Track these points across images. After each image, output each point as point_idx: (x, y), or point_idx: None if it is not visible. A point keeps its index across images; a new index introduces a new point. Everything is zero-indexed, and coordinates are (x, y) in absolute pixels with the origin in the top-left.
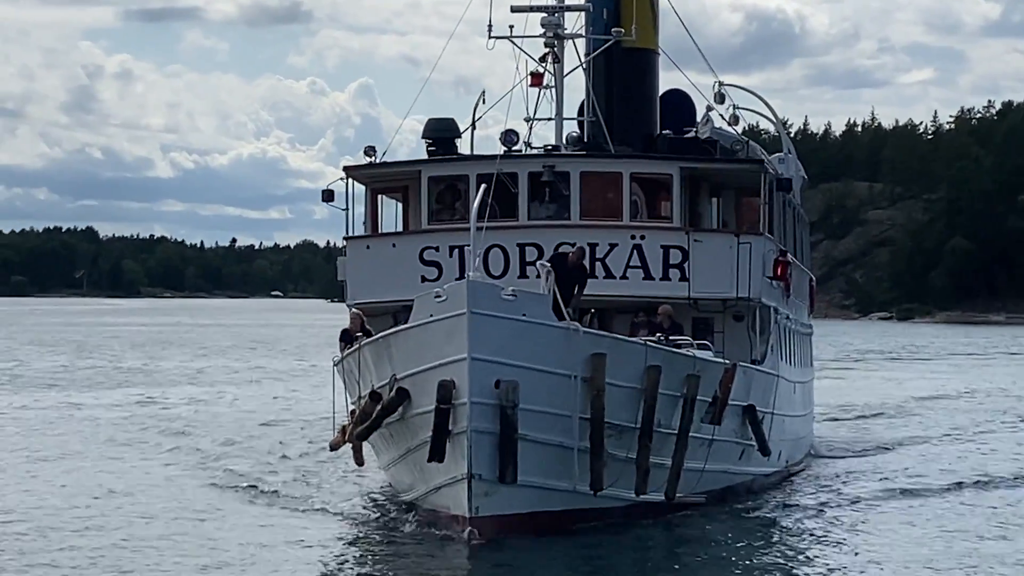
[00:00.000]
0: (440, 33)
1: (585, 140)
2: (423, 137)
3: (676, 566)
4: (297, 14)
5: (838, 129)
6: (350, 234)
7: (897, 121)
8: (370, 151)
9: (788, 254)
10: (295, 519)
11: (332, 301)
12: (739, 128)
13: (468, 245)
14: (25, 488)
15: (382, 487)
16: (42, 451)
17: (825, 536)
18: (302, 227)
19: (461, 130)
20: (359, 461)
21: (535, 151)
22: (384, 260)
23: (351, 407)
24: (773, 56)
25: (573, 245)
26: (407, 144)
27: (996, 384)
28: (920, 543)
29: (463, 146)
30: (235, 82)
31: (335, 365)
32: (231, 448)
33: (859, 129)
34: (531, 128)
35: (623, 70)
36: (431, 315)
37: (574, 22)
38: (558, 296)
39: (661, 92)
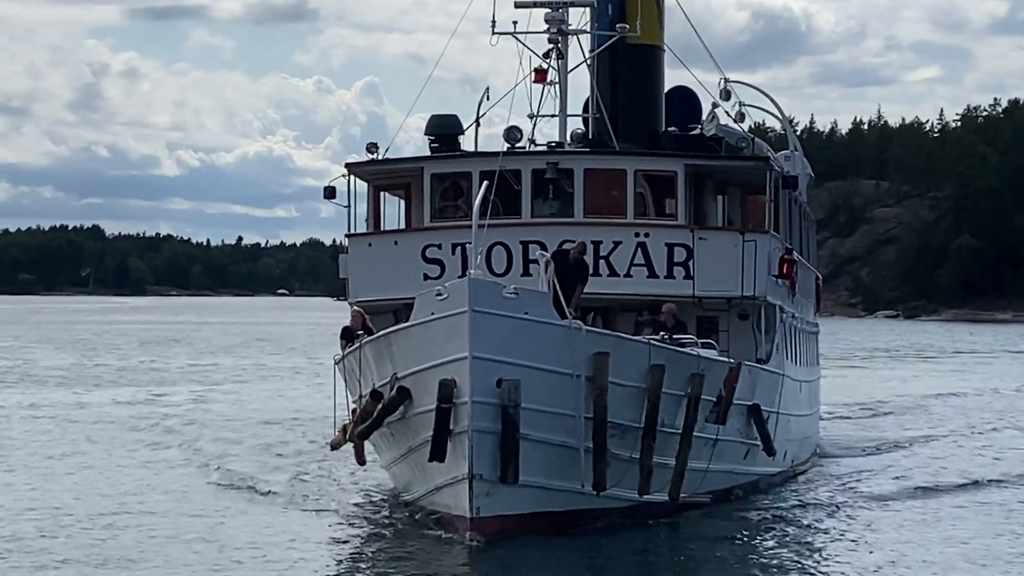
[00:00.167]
0: (446, 31)
1: (589, 137)
2: (426, 133)
3: (680, 567)
4: (303, 12)
5: (844, 127)
6: (352, 231)
7: (903, 119)
8: (372, 148)
9: (794, 252)
10: (295, 518)
11: (337, 299)
12: (745, 125)
13: (470, 243)
14: (32, 486)
15: (384, 486)
16: (48, 449)
17: (831, 536)
18: (308, 225)
19: (464, 127)
20: (361, 460)
21: (539, 148)
22: (386, 258)
23: (352, 406)
24: (779, 54)
25: (575, 243)
26: (412, 142)
27: (1002, 382)
28: (927, 543)
29: (468, 143)
30: (241, 80)
31: (336, 363)
32: (232, 447)
33: (865, 127)
34: (535, 125)
35: (628, 66)
36: (432, 313)
37: (579, 18)
38: (558, 291)
39: (667, 89)
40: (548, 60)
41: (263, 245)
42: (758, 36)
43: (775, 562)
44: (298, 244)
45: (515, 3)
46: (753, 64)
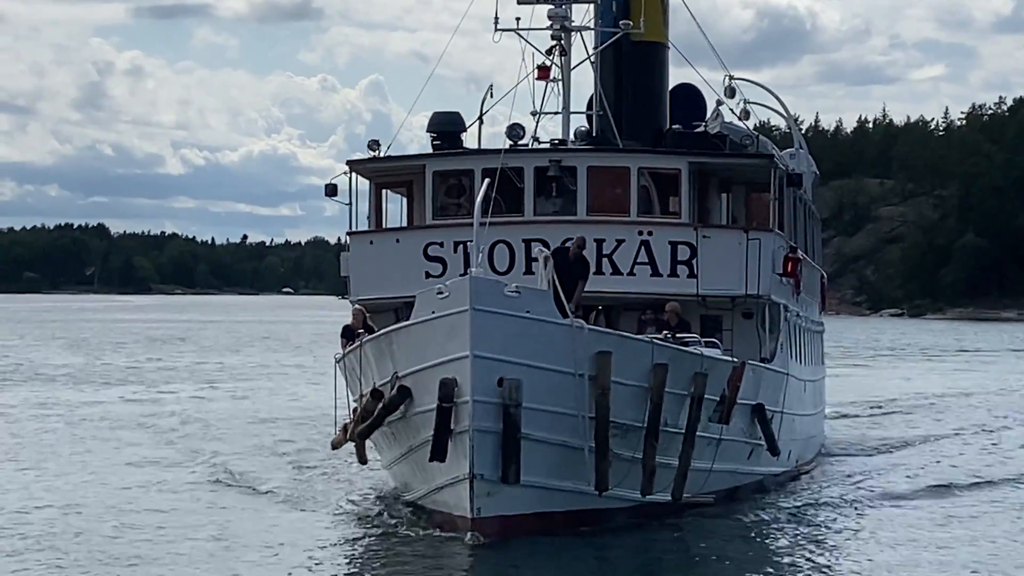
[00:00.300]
0: (451, 30)
1: (593, 135)
2: (428, 131)
3: (682, 567)
4: (308, 11)
5: (849, 126)
6: (354, 229)
7: (908, 117)
8: (374, 145)
9: (798, 250)
10: (296, 518)
11: (342, 298)
12: (750, 123)
13: (472, 241)
14: (37, 485)
15: (385, 486)
16: (52, 448)
17: (835, 537)
18: (313, 224)
19: (467, 124)
20: (362, 460)
21: (542, 145)
22: (388, 255)
23: (353, 405)
24: (784, 53)
25: (582, 244)
26: (417, 140)
27: (1008, 381)
28: (933, 543)
29: (472, 141)
30: (246, 79)
31: (337, 362)
32: (234, 445)
33: (870, 126)
34: (538, 122)
35: (632, 64)
36: (433, 312)
37: (582, 16)
38: (558, 288)
39: (671, 87)
40: (551, 57)
41: (268, 244)
42: (763, 34)
43: (779, 563)
44: (303, 243)
45: (518, 0)
46: (758, 62)
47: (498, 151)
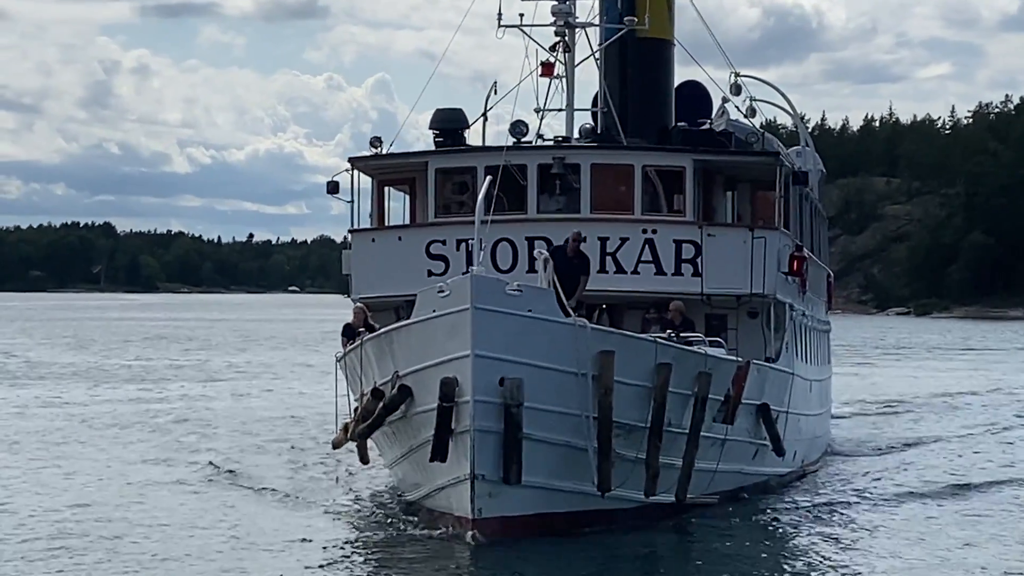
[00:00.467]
0: (457, 29)
1: (598, 132)
2: (430, 128)
3: (686, 569)
4: (314, 9)
5: (855, 124)
6: (356, 227)
7: (915, 116)
8: (376, 142)
9: (804, 249)
10: (296, 518)
11: (347, 296)
12: (756, 121)
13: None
14: (37, 483)
15: (386, 486)
16: (51, 446)
17: (841, 537)
18: (319, 222)
19: (470, 122)
20: (364, 459)
21: (546, 143)
22: (390, 254)
23: (354, 404)
24: (790, 51)
25: (579, 238)
26: (423, 139)
27: (1015, 379)
28: (940, 544)
29: (476, 138)
30: (252, 77)
31: (337, 361)
32: (235, 444)
33: (876, 124)
34: (542, 119)
35: (637, 60)
36: (434, 310)
37: (587, 12)
38: (559, 289)
39: (677, 84)
40: (555, 54)
41: (274, 242)
42: (769, 33)
43: (784, 564)
44: (309, 241)
45: None
46: (764, 61)
47: (501, 148)
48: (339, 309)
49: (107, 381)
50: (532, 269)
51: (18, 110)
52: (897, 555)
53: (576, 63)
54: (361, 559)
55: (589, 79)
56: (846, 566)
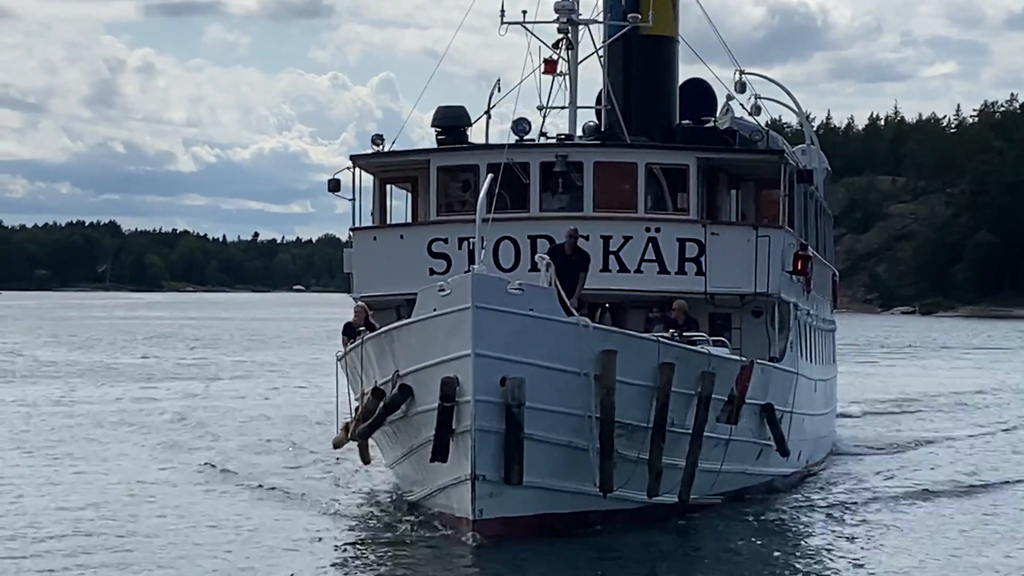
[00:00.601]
0: (462, 27)
1: (602, 129)
2: (432, 125)
3: (689, 571)
4: (319, 8)
5: (861, 123)
6: (357, 225)
7: (920, 115)
8: (378, 140)
9: (809, 248)
10: (297, 518)
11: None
12: (761, 119)
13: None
14: (41, 485)
15: (387, 486)
16: (50, 445)
17: (846, 538)
18: (324, 221)
19: (472, 119)
20: (365, 459)
21: (549, 141)
22: (391, 252)
23: (355, 403)
24: (795, 49)
25: (575, 235)
26: (428, 137)
27: (1022, 379)
28: (946, 546)
29: (479, 136)
30: (257, 76)
31: (338, 360)
32: (236, 444)
33: (882, 123)
34: (544, 117)
35: (641, 58)
36: (434, 309)
37: (591, 9)
38: (561, 291)
39: (681, 82)
40: (558, 51)
41: (279, 241)
42: (774, 31)
43: (789, 566)
44: (314, 240)
45: None
46: (769, 59)
47: (503, 146)
48: (344, 308)
49: (112, 379)
50: (535, 268)
51: (23, 109)
52: (903, 556)
53: (579, 60)
54: (361, 560)
55: (593, 77)
56: (852, 568)
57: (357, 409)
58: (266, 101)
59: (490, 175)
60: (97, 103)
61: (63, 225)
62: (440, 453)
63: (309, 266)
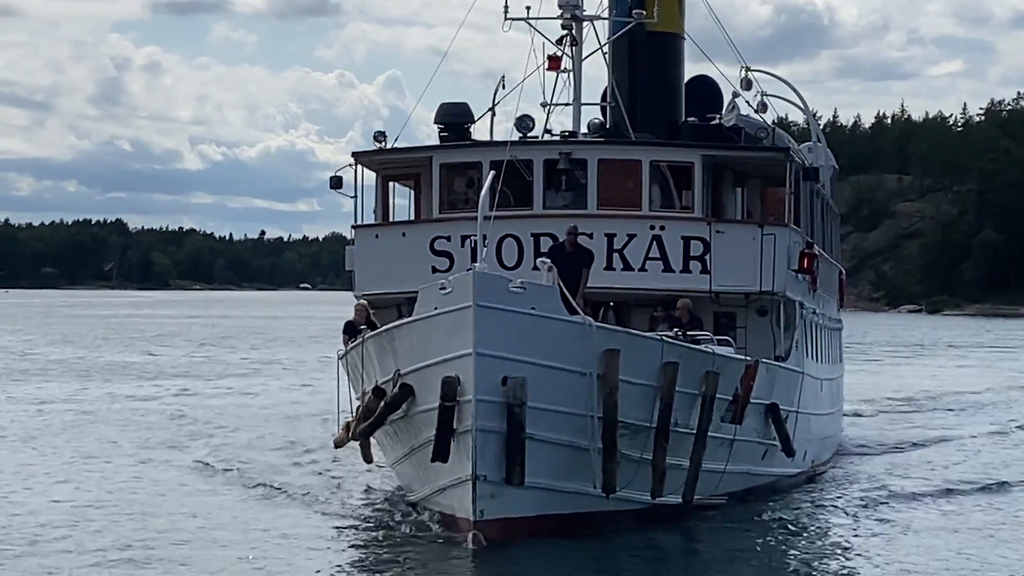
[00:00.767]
0: (468, 25)
1: (607, 127)
2: (435, 122)
3: (693, 572)
4: (325, 6)
5: (867, 121)
6: (360, 222)
7: (927, 113)
8: (380, 137)
9: (815, 246)
10: (297, 518)
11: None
12: (768, 117)
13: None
14: (45, 484)
15: (389, 486)
16: (45, 445)
17: (851, 540)
18: (330, 219)
19: (477, 116)
20: (367, 458)
21: (552, 138)
22: (393, 250)
23: (356, 403)
24: (802, 48)
25: (575, 231)
26: (434, 135)
27: None
28: (952, 547)
29: (483, 133)
30: (263, 74)
31: (339, 359)
32: (236, 443)
33: (888, 121)
34: (548, 114)
35: (646, 54)
36: (435, 308)
37: (596, 5)
38: (565, 290)
39: (687, 79)
40: (562, 47)
41: (286, 239)
42: (780, 30)
43: (794, 568)
44: (320, 238)
45: None
46: (775, 58)
47: (506, 143)
48: (350, 306)
49: (117, 377)
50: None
51: (30, 107)
52: (910, 557)
53: (584, 57)
54: (361, 560)
55: (598, 74)
56: (857, 569)
57: (358, 408)
58: (272, 99)
59: (492, 172)
60: (103, 101)
61: (69, 223)
62: (441, 453)
63: (315, 264)
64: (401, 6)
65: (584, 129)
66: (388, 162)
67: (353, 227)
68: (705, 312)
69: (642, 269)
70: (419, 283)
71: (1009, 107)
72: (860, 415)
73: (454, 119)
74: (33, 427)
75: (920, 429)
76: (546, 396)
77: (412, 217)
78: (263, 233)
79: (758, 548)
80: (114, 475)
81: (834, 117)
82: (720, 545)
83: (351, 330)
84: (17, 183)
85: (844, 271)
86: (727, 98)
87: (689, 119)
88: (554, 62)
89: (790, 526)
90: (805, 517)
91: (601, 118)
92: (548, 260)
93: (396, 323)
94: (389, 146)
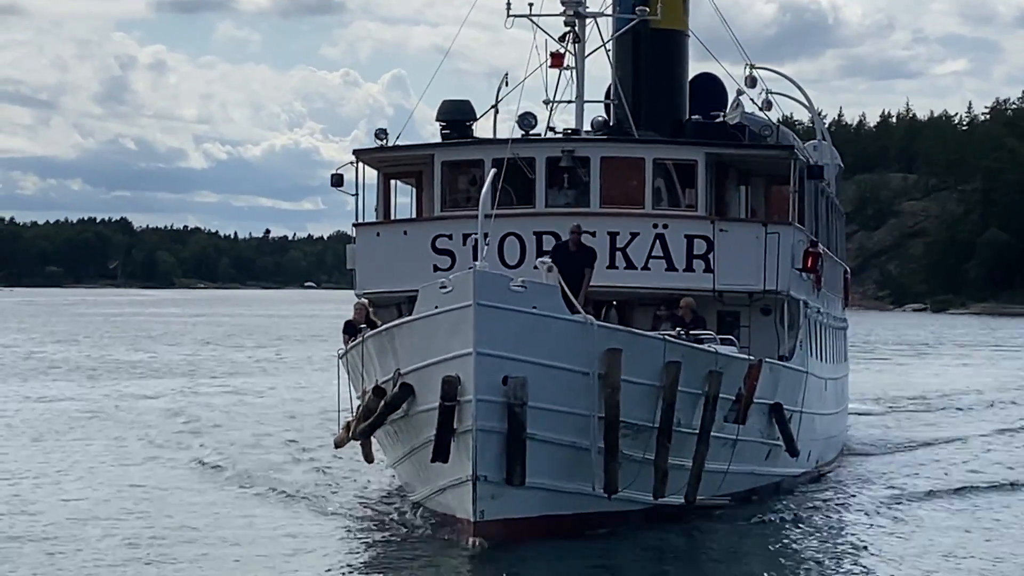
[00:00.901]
0: (472, 24)
1: (610, 124)
2: (437, 119)
3: (696, 573)
4: (330, 5)
5: (872, 120)
6: (361, 220)
7: (932, 112)
8: (381, 134)
9: (819, 245)
10: (298, 518)
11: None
12: (773, 115)
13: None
14: (34, 486)
15: (389, 486)
16: (52, 445)
17: (856, 541)
18: (335, 218)
19: (480, 114)
20: (368, 458)
21: (555, 135)
22: (395, 248)
23: (356, 402)
24: (806, 47)
25: (578, 230)
26: (438, 134)
27: None
28: (957, 547)
29: (487, 132)
30: (268, 73)
31: (339, 358)
32: (236, 443)
33: (893, 120)
34: (551, 111)
35: (650, 52)
36: (436, 307)
37: (599, 2)
38: (566, 290)
39: (691, 77)
40: (564, 44)
41: (290, 238)
42: (785, 29)
43: (797, 568)
44: (325, 237)
45: None
46: (780, 57)
47: (508, 141)
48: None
49: (122, 376)
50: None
51: (34, 106)
52: (913, 558)
53: (587, 54)
54: (361, 560)
55: (601, 72)
56: (861, 570)
57: (358, 408)
58: (277, 98)
59: (493, 170)
60: (108, 100)
61: (74, 222)
62: (441, 453)
63: (320, 263)
64: (405, 5)
65: (587, 127)
66: (389, 160)
67: (354, 225)
68: (708, 311)
69: (645, 268)
70: (420, 282)
71: (1014, 106)
72: (865, 414)
73: (456, 117)
74: (39, 425)
75: (926, 428)
76: (547, 396)
77: (414, 215)
78: (268, 232)
79: (762, 549)
80: (119, 473)
81: (839, 116)
82: (723, 546)
83: (351, 329)
84: (22, 182)
85: (849, 270)
86: (731, 96)
87: (693, 117)
88: (557, 59)
89: (794, 527)
90: (809, 518)
91: (604, 116)
92: (548, 260)
93: (396, 322)
94: (391, 144)
